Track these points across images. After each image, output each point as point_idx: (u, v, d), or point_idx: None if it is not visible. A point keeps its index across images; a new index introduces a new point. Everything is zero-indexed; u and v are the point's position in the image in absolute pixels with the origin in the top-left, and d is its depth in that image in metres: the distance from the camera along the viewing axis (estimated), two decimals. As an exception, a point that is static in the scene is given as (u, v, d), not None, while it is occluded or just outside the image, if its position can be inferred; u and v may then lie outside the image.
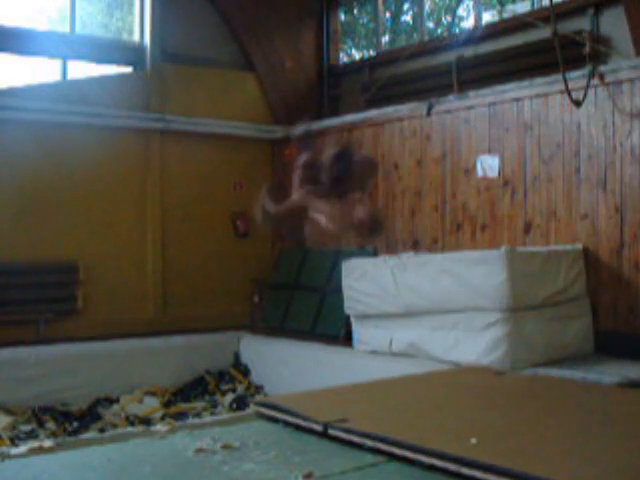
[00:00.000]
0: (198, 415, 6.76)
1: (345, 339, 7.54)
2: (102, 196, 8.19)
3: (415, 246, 7.65)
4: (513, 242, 6.72)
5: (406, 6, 10.87)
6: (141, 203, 8.46)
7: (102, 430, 6.26)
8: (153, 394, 7.42)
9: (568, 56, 6.28)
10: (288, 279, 8.81)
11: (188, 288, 8.68)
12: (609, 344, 6.17)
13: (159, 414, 6.91)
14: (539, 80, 6.65)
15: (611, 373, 5.36)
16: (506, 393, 4.67)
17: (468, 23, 9.83)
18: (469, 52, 7.75)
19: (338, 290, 7.34)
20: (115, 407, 7.08)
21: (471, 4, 9.22)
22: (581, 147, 6.40)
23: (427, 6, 9.52)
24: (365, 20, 11.05)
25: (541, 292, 5.95)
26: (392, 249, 7.81)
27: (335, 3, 9.67)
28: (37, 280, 7.68)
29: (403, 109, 7.88)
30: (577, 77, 6.26)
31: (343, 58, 10.10)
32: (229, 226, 9.10)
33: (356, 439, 3.37)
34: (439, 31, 10.23)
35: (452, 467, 2.98)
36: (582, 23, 6.75)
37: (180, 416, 6.73)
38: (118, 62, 8.60)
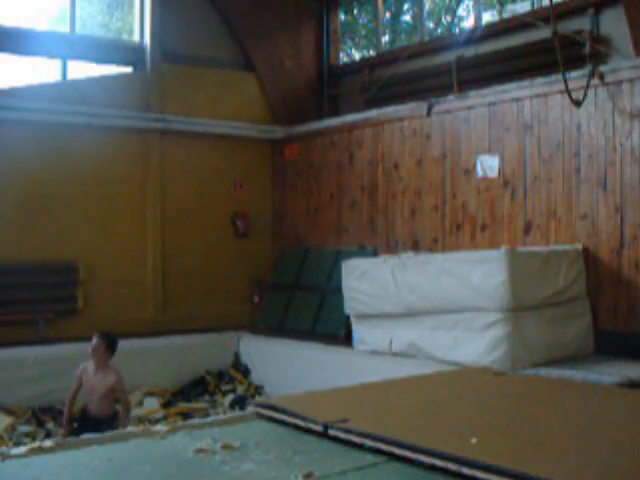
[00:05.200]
0: (207, 415, 6.73)
1: (345, 339, 7.54)
2: (102, 196, 8.20)
3: (415, 246, 7.65)
4: (513, 242, 6.72)
5: (406, 6, 10.86)
6: (141, 203, 8.46)
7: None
8: (153, 394, 7.41)
9: (568, 56, 6.28)
10: (288, 279, 8.81)
11: (188, 288, 8.68)
12: (609, 344, 6.17)
13: (159, 415, 6.90)
14: (539, 80, 6.65)
15: (611, 373, 5.36)
16: (506, 393, 4.66)
17: (468, 23, 9.82)
18: (469, 52, 7.74)
19: (338, 290, 7.34)
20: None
21: (471, 4, 9.22)
22: (581, 147, 6.39)
23: (427, 6, 9.51)
24: (365, 20, 11.04)
25: (541, 292, 5.95)
26: (392, 249, 7.81)
27: (335, 3, 9.67)
28: (37, 280, 7.69)
29: (403, 109, 7.88)
30: (577, 77, 6.26)
31: (343, 58, 10.10)
32: (229, 226, 9.10)
33: (356, 439, 3.36)
34: (439, 31, 10.22)
35: (452, 467, 2.97)
36: (582, 23, 6.75)
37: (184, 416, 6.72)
38: (118, 62, 8.61)
